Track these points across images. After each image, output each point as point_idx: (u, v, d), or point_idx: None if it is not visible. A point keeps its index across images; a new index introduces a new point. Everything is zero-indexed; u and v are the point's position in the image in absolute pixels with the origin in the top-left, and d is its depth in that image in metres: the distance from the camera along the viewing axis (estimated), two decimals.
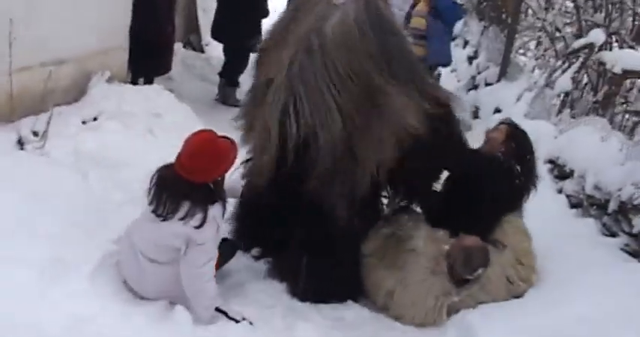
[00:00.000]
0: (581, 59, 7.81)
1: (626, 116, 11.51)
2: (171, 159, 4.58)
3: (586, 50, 7.82)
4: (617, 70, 7.00)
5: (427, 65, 9.61)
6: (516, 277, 5.36)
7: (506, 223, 5.61)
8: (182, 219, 4.38)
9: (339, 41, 4.69)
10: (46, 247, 4.49)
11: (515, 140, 5.58)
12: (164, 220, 4.43)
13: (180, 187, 4.42)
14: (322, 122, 4.72)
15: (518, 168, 5.52)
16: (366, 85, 4.74)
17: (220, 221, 4.56)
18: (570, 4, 11.62)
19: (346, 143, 4.77)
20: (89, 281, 4.48)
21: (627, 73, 7.62)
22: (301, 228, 5.15)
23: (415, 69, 5.09)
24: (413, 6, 10.09)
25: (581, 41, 8.12)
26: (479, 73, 11.63)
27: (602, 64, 7.57)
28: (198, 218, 4.38)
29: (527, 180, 5.57)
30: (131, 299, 4.61)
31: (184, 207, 4.39)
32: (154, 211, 4.47)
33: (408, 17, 10.00)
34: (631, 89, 10.91)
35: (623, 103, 10.97)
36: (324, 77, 4.69)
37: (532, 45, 13.70)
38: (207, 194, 4.47)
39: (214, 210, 4.45)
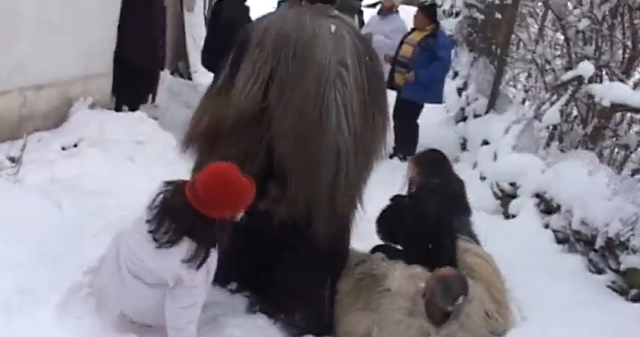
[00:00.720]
0: (569, 91, 7.73)
1: (616, 149, 11.46)
2: (149, 188, 4.37)
3: (575, 82, 7.74)
4: (606, 102, 6.90)
5: (406, 98, 9.68)
6: (494, 311, 5.21)
7: (469, 254, 5.47)
8: (181, 258, 4.13)
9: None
10: (11, 277, 4.33)
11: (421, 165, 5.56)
12: (159, 248, 4.16)
13: (186, 219, 4.10)
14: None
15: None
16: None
17: (213, 267, 4.28)
18: (561, 37, 11.59)
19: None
20: (56, 313, 4.34)
21: (616, 106, 7.55)
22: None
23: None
24: (406, 35, 10.11)
25: (570, 73, 8.04)
26: (468, 105, 11.56)
27: (591, 96, 7.49)
28: (195, 262, 4.14)
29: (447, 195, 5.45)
30: (99, 332, 4.45)
31: (185, 244, 4.13)
32: (151, 233, 4.17)
33: (401, 44, 10.00)
34: (620, 122, 10.84)
35: (612, 137, 10.91)
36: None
37: (522, 77, 13.68)
38: (212, 234, 4.17)
39: (211, 255, 4.22)
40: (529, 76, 13.10)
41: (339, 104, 4.48)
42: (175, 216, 4.12)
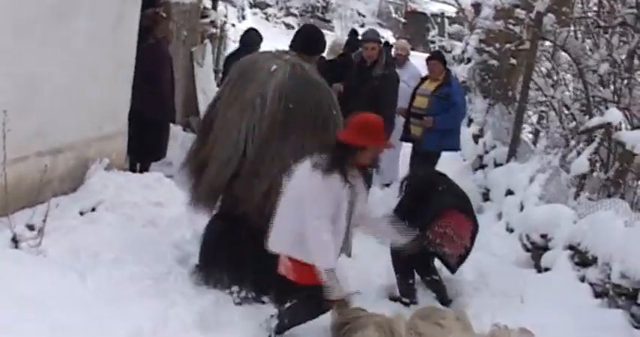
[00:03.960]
0: (597, 139, 7.53)
1: (638, 192, 11.24)
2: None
3: (601, 129, 7.55)
4: (638, 150, 6.70)
5: (424, 148, 9.50)
6: None
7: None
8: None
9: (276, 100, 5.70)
10: None
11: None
12: None
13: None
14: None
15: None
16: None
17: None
18: (569, 77, 11.48)
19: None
20: None
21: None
22: None
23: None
24: (418, 85, 9.91)
25: (596, 120, 7.86)
26: (486, 152, 11.38)
27: (619, 143, 7.29)
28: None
29: None
30: None
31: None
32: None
33: (413, 96, 9.81)
34: None
35: (636, 179, 10.69)
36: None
37: (534, 118, 13.54)
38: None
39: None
40: (540, 118, 12.94)
41: (248, 124, 5.71)
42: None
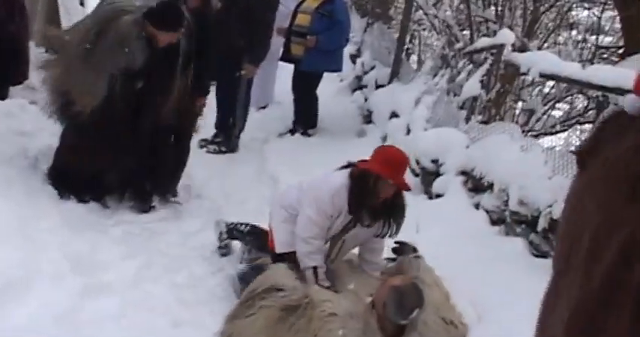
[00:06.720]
0: (490, 61, 7.28)
1: (516, 112, 11.28)
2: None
3: (493, 50, 7.29)
4: (535, 74, 6.49)
5: (305, 69, 9.11)
6: (453, 316, 4.73)
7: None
8: None
9: None
10: None
11: None
12: None
13: None
14: None
15: None
16: None
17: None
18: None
19: None
20: None
21: (518, 70, 7.21)
22: None
23: None
24: (300, 3, 9.42)
25: (487, 40, 7.62)
26: (365, 73, 11.04)
27: (512, 65, 7.06)
28: None
29: None
30: None
31: None
32: None
33: (295, 14, 9.32)
34: (523, 87, 10.65)
35: (516, 101, 10.69)
36: None
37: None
38: None
39: None
40: (412, 38, 12.65)
41: None
42: None
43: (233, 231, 5.64)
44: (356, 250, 5.28)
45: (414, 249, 5.10)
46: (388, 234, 5.03)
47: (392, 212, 4.95)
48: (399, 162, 4.86)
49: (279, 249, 4.98)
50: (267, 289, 4.52)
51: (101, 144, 5.78)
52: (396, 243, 5.20)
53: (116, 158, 5.96)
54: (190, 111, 6.59)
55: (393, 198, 4.88)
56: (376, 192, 4.76)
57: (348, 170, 4.92)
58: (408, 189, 4.94)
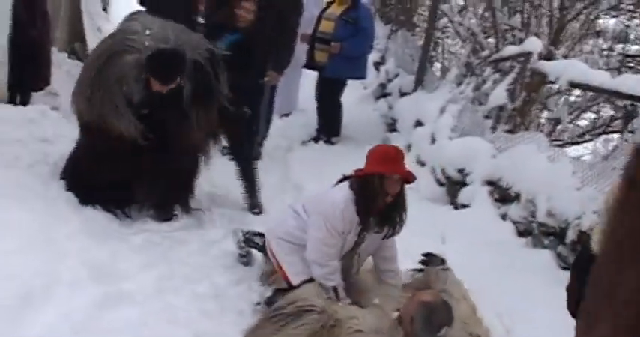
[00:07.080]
0: (517, 69, 7.18)
1: (541, 121, 11.12)
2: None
3: (521, 58, 7.19)
4: (563, 82, 6.38)
5: (329, 76, 9.03)
6: (480, 331, 4.62)
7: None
8: None
9: None
10: None
11: None
12: None
13: None
14: None
15: None
16: None
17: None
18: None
19: None
20: None
21: (544, 79, 7.12)
22: None
23: None
24: (324, 9, 9.36)
25: (513, 49, 7.50)
26: (389, 81, 10.96)
27: (539, 74, 6.95)
28: None
29: None
30: None
31: None
32: None
33: (319, 20, 9.26)
34: (549, 95, 10.51)
35: (541, 110, 10.56)
36: None
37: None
38: None
39: None
40: (435, 45, 12.56)
41: None
42: None
43: (249, 241, 5.55)
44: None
45: (443, 261, 4.99)
46: (392, 234, 4.92)
47: (395, 210, 4.84)
48: (394, 155, 4.77)
49: (295, 280, 4.81)
50: (297, 311, 4.42)
51: (123, 155, 5.65)
52: (423, 254, 5.10)
53: (136, 168, 5.83)
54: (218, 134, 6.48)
55: (396, 195, 4.77)
56: (384, 192, 4.65)
57: (346, 183, 4.81)
58: (414, 179, 4.79)
